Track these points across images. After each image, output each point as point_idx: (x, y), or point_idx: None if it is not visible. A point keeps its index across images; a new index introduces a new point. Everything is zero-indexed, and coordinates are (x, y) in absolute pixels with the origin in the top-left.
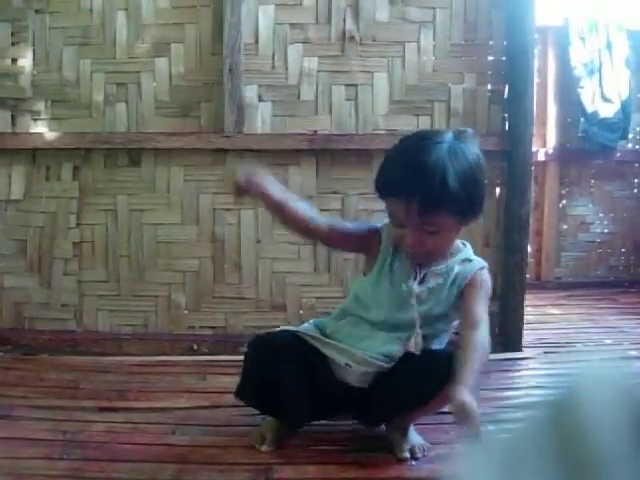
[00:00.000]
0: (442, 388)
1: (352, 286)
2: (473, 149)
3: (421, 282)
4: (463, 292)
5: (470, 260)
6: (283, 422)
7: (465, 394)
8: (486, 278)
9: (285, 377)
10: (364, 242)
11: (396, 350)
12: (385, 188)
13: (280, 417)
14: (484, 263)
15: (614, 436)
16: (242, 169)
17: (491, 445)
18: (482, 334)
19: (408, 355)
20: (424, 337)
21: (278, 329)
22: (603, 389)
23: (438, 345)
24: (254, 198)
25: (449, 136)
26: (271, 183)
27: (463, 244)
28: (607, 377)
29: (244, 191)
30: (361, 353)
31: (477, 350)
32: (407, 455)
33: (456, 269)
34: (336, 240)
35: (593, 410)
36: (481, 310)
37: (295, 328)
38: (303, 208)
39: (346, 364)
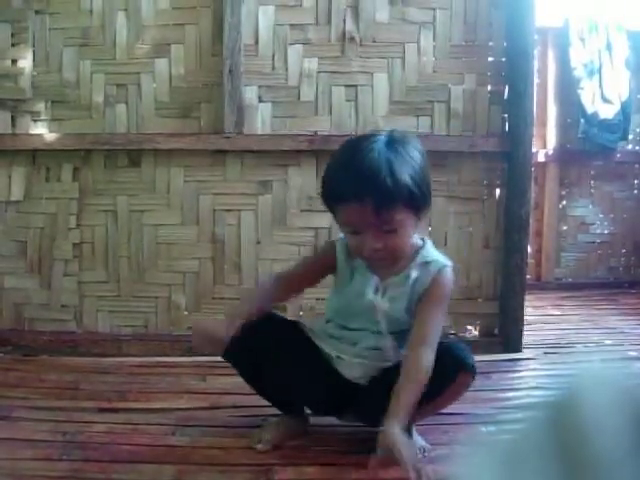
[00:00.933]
0: (448, 385)
1: (327, 302)
2: (409, 140)
3: (383, 294)
4: (421, 297)
5: (429, 262)
6: (278, 400)
7: (395, 434)
8: (444, 282)
9: (279, 350)
10: (324, 270)
11: (385, 343)
12: (334, 196)
13: (273, 394)
14: (444, 262)
15: (614, 437)
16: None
17: (492, 446)
18: (426, 357)
19: None
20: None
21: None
22: (603, 390)
23: None
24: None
25: (383, 135)
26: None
27: (422, 240)
28: (607, 378)
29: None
30: (350, 346)
31: (415, 380)
32: None
33: (414, 274)
34: (301, 284)
35: (593, 411)
36: (433, 322)
37: (292, 318)
38: (275, 288)
39: (337, 356)
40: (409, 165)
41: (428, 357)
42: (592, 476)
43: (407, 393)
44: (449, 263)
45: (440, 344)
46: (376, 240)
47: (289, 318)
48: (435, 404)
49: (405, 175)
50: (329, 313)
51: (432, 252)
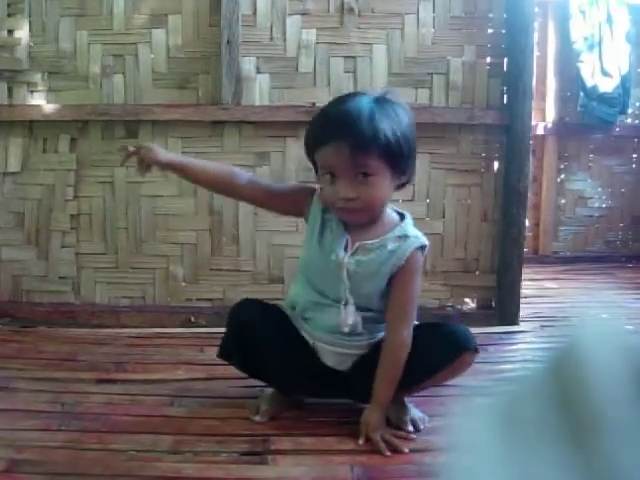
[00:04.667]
0: (448, 365)
1: (299, 260)
2: (400, 104)
3: (352, 254)
4: (395, 275)
5: (407, 236)
6: (274, 386)
7: (371, 421)
8: (420, 259)
9: (269, 340)
10: (291, 203)
11: (351, 317)
12: (314, 140)
13: (267, 381)
14: (422, 241)
15: (615, 387)
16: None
17: (489, 406)
18: (405, 334)
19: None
20: (367, 317)
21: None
22: (604, 343)
23: (380, 324)
24: (158, 166)
25: (375, 93)
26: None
27: (401, 215)
28: (608, 331)
29: (142, 162)
30: (320, 333)
31: (395, 359)
32: (411, 428)
33: (390, 246)
34: (260, 197)
35: (594, 361)
36: (410, 298)
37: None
38: (219, 166)
39: (314, 344)
40: (392, 120)
41: (407, 334)
42: (593, 426)
43: (388, 373)
44: (427, 242)
45: (441, 325)
46: (350, 187)
47: (271, 303)
48: (435, 380)
49: (385, 125)
50: (300, 269)
51: (411, 228)
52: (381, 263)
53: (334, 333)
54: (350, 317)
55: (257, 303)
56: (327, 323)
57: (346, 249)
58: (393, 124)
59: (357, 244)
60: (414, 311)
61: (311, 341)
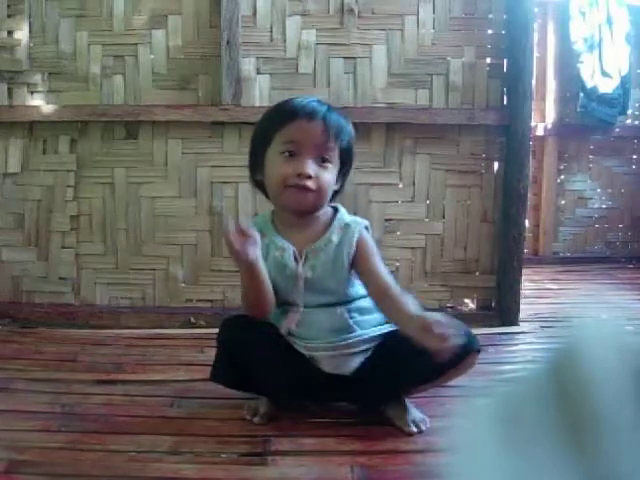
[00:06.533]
0: (455, 365)
1: None
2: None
3: (304, 262)
4: (356, 259)
5: (347, 225)
6: (273, 401)
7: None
8: (369, 236)
9: (262, 353)
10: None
11: (332, 324)
12: (282, 116)
13: (265, 394)
14: (362, 221)
15: (614, 387)
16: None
17: (489, 406)
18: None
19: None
20: (351, 308)
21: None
22: (603, 343)
23: (367, 315)
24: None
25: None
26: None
27: (334, 208)
28: (607, 331)
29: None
30: (311, 343)
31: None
32: (414, 429)
33: (335, 239)
34: None
35: (594, 363)
36: (385, 272)
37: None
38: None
39: (310, 356)
40: (347, 123)
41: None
42: (592, 426)
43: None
44: (366, 222)
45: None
46: (311, 165)
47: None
48: (438, 382)
49: (347, 125)
50: None
51: (347, 216)
52: (334, 259)
53: (325, 337)
54: (292, 322)
55: (243, 319)
56: (322, 325)
57: (296, 259)
58: (349, 127)
59: (304, 251)
60: (390, 274)
61: (307, 354)
